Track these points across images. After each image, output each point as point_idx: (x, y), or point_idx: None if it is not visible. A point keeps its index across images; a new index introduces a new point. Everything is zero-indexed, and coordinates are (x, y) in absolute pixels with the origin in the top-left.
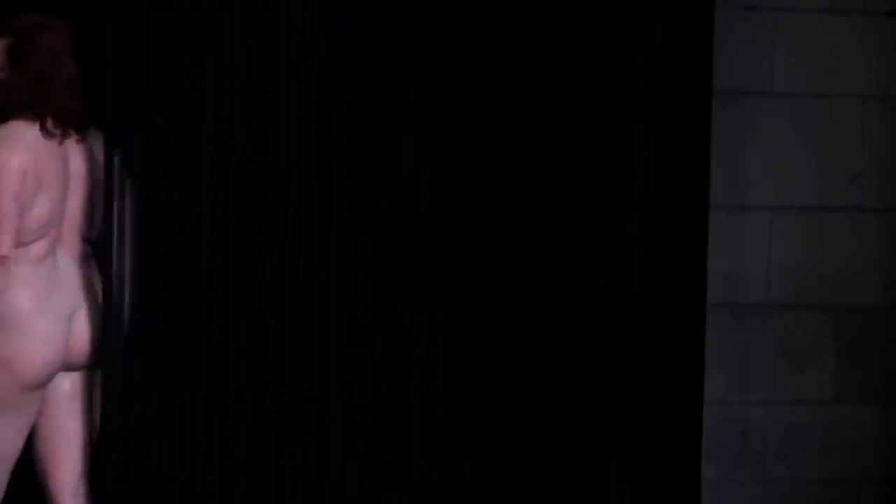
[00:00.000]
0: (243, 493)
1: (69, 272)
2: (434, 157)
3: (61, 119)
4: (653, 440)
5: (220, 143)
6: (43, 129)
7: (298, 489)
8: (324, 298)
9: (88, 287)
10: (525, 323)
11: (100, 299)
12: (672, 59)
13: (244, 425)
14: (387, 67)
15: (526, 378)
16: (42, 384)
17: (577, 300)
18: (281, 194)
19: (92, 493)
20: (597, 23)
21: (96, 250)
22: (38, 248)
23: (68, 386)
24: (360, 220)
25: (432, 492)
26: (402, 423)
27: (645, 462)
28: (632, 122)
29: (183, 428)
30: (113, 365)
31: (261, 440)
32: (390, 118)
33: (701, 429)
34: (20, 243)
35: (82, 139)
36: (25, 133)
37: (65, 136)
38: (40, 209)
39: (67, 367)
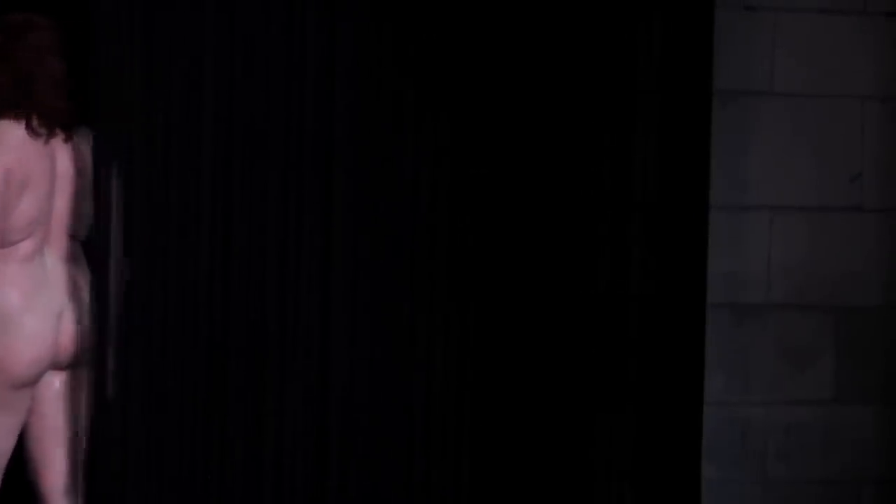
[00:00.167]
0: (243, 493)
1: (57, 271)
2: (434, 157)
3: (47, 118)
4: (653, 440)
5: (220, 143)
6: (29, 127)
7: (298, 489)
8: (324, 298)
9: (77, 286)
10: (525, 323)
11: (88, 298)
12: (672, 59)
13: (244, 425)
14: (387, 67)
15: (526, 378)
16: (31, 382)
17: (577, 300)
18: (281, 194)
19: (92, 493)
20: (597, 23)
21: (86, 249)
22: (26, 246)
23: (58, 385)
24: (360, 220)
25: (432, 492)
26: (402, 423)
27: (645, 462)
28: (632, 122)
29: (183, 428)
30: (103, 364)
31: (261, 440)
32: (390, 118)
33: (701, 429)
34: (7, 242)
35: (69, 138)
36: (11, 132)
37: (51, 135)
38: (27, 208)
39: (57, 366)
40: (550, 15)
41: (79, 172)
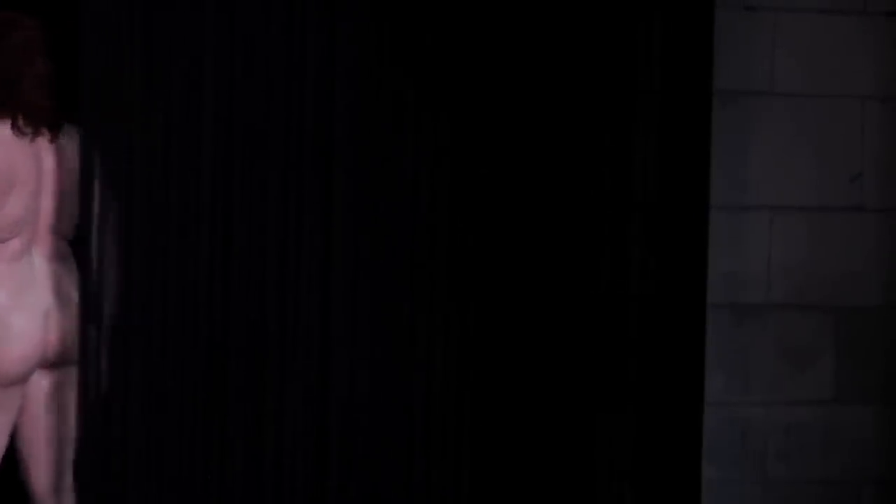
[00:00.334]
0: (243, 493)
1: (44, 270)
2: (434, 157)
3: (32, 117)
4: (653, 440)
5: (220, 143)
6: (14, 127)
7: (298, 489)
8: (324, 298)
9: (65, 285)
10: (525, 323)
11: (76, 297)
12: (672, 60)
13: (244, 425)
14: (387, 67)
15: (526, 378)
16: (20, 381)
17: (577, 300)
18: (281, 194)
19: (92, 493)
20: (597, 23)
21: (74, 249)
22: (13, 246)
23: (47, 384)
24: (360, 220)
25: (432, 492)
26: (402, 423)
27: (645, 462)
28: (632, 122)
29: (183, 428)
30: (91, 363)
31: (261, 440)
32: (390, 118)
33: (701, 429)
34: None
35: (55, 137)
36: None
37: (36, 134)
38: (13, 207)
39: (45, 365)
40: (550, 15)
41: (65, 171)
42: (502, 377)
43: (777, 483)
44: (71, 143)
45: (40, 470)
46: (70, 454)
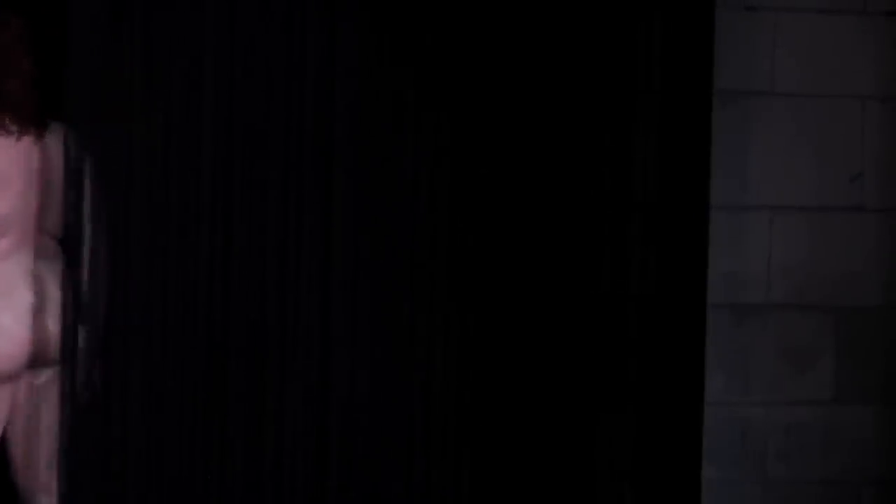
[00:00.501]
0: (243, 493)
1: (32, 269)
2: (434, 157)
3: (18, 116)
4: (653, 440)
5: (220, 143)
6: (0, 126)
7: (298, 489)
8: (324, 298)
9: (53, 285)
10: (525, 323)
11: (64, 297)
12: (672, 60)
13: (244, 425)
14: (387, 67)
15: (526, 378)
16: (8, 380)
17: (577, 300)
18: (281, 194)
19: (92, 493)
20: (597, 23)
21: (63, 247)
22: (1, 245)
23: (36, 384)
24: (360, 220)
25: (432, 492)
26: (402, 423)
27: (645, 462)
28: (632, 122)
29: (182, 428)
30: (77, 363)
31: (261, 440)
32: (390, 118)
33: (701, 429)
34: None
35: (41, 136)
36: None
37: (22, 132)
38: (1, 207)
39: (34, 365)
40: (551, 15)
41: (52, 171)
42: (502, 377)
43: (777, 483)
44: (57, 142)
45: (29, 469)
46: (61, 454)
